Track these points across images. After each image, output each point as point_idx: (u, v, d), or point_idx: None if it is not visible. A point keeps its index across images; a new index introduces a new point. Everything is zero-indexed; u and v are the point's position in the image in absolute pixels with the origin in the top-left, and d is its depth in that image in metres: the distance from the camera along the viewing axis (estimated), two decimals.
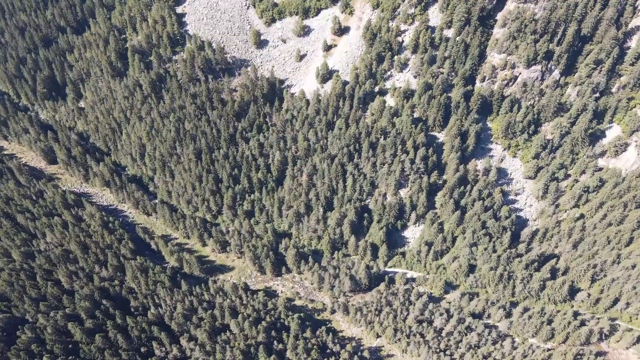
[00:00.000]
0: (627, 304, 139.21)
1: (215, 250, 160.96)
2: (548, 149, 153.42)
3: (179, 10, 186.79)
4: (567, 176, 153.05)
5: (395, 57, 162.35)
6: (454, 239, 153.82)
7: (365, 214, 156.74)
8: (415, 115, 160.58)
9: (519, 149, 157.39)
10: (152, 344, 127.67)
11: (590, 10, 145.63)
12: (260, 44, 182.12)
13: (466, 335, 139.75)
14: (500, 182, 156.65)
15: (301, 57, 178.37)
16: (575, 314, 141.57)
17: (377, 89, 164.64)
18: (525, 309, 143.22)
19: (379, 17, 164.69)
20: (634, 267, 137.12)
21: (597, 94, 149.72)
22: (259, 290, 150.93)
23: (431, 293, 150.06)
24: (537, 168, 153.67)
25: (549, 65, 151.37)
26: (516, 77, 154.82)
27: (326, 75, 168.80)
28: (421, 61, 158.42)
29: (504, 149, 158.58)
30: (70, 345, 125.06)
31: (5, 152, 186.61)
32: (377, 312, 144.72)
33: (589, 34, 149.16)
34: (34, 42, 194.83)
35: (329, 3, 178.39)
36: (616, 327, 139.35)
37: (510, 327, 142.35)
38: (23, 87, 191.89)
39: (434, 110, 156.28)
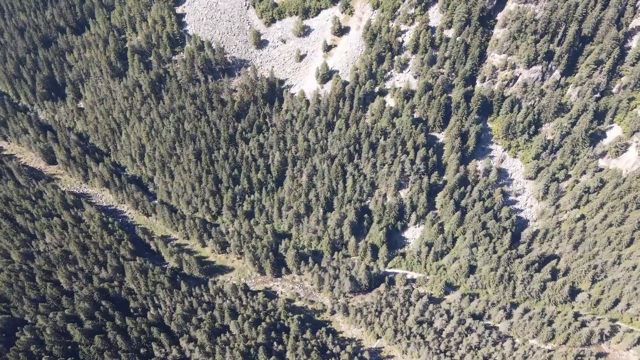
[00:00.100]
0: (628, 305, 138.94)
1: (215, 251, 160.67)
2: (548, 150, 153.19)
3: (178, 10, 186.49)
4: (567, 177, 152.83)
5: (396, 58, 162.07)
6: (454, 240, 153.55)
7: (366, 215, 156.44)
8: (416, 115, 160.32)
9: (519, 150, 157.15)
10: (152, 345, 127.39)
11: (591, 11, 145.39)
12: (260, 44, 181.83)
13: (466, 336, 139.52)
14: (500, 182, 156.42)
15: (301, 58, 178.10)
16: (576, 315, 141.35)
17: (377, 89, 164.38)
18: (526, 310, 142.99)
19: (379, 17, 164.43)
20: (634, 268, 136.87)
21: (598, 95, 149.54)
22: (259, 291, 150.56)
23: (431, 294, 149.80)
24: (537, 169, 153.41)
25: (550, 66, 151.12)
26: (516, 78, 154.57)
27: (326, 75, 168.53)
28: (421, 61, 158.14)
29: (505, 150, 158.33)
30: (69, 347, 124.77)
31: (5, 153, 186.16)
32: (377, 313, 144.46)
33: (589, 34, 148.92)
34: (33, 42, 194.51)
35: (329, 3, 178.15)
36: (617, 328, 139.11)
37: (510, 328, 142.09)
38: (22, 87, 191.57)
39: (434, 111, 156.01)
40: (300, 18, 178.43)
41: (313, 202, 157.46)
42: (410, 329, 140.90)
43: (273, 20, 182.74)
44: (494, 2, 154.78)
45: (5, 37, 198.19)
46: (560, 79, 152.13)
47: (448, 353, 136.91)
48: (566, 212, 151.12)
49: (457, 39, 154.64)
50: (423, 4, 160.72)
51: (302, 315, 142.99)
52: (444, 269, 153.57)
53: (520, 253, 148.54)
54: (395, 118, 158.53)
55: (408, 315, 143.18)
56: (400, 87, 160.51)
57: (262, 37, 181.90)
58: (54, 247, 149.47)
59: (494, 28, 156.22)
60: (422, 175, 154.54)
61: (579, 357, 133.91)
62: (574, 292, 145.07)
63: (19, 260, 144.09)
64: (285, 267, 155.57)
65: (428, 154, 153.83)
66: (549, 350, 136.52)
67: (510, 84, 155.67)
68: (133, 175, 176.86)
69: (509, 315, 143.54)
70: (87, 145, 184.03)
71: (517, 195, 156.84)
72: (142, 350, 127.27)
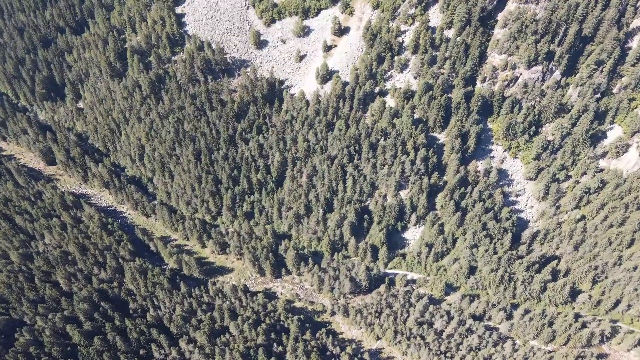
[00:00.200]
0: (629, 305, 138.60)
1: (215, 251, 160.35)
2: (549, 150, 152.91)
3: (178, 10, 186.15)
4: (568, 177, 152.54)
5: (396, 58, 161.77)
6: (454, 241, 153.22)
7: (366, 216, 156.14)
8: (416, 116, 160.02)
9: (519, 150, 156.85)
10: (151, 346, 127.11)
11: (592, 11, 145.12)
12: (260, 44, 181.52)
13: (467, 337, 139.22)
14: (500, 183, 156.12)
15: (301, 58, 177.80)
16: (577, 316, 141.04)
17: (377, 89, 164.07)
18: (526, 311, 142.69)
19: (379, 17, 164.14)
20: (635, 268, 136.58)
21: (598, 95, 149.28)
22: (259, 292, 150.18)
23: (431, 295, 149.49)
24: (538, 169, 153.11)
25: (550, 66, 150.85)
26: (517, 78, 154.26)
27: (326, 75, 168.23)
28: (421, 62, 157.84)
29: (505, 150, 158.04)
30: (68, 348, 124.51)
31: (4, 153, 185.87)
32: (377, 314, 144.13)
33: (590, 35, 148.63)
34: (32, 42, 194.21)
35: (329, 3, 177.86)
36: (617, 329, 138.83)
37: (511, 329, 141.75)
38: (22, 87, 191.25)
39: (435, 111, 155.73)
40: (300, 18, 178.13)
41: (313, 202, 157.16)
42: (410, 330, 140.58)
43: (273, 21, 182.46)
44: (494, 2, 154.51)
45: (4, 37, 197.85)
46: (560, 79, 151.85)
47: (448, 354, 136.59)
48: (567, 212, 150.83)
49: (458, 39, 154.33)
50: (423, 4, 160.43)
51: (302, 316, 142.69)
52: (444, 269, 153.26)
53: (520, 254, 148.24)
54: (395, 118, 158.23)
55: (408, 316, 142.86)
56: (400, 88, 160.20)
57: (262, 38, 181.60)
58: (53, 247, 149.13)
59: (494, 28, 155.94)
60: (423, 176, 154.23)
61: (580, 358, 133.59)
62: (574, 293, 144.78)
63: (18, 261, 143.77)
64: (285, 268, 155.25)
65: (428, 155, 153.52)
66: (550, 352, 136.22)
67: (511, 84, 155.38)
68: (132, 175, 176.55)
69: (509, 316, 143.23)
70: (87, 145, 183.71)
71: (517, 195, 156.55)
72: (141, 352, 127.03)
